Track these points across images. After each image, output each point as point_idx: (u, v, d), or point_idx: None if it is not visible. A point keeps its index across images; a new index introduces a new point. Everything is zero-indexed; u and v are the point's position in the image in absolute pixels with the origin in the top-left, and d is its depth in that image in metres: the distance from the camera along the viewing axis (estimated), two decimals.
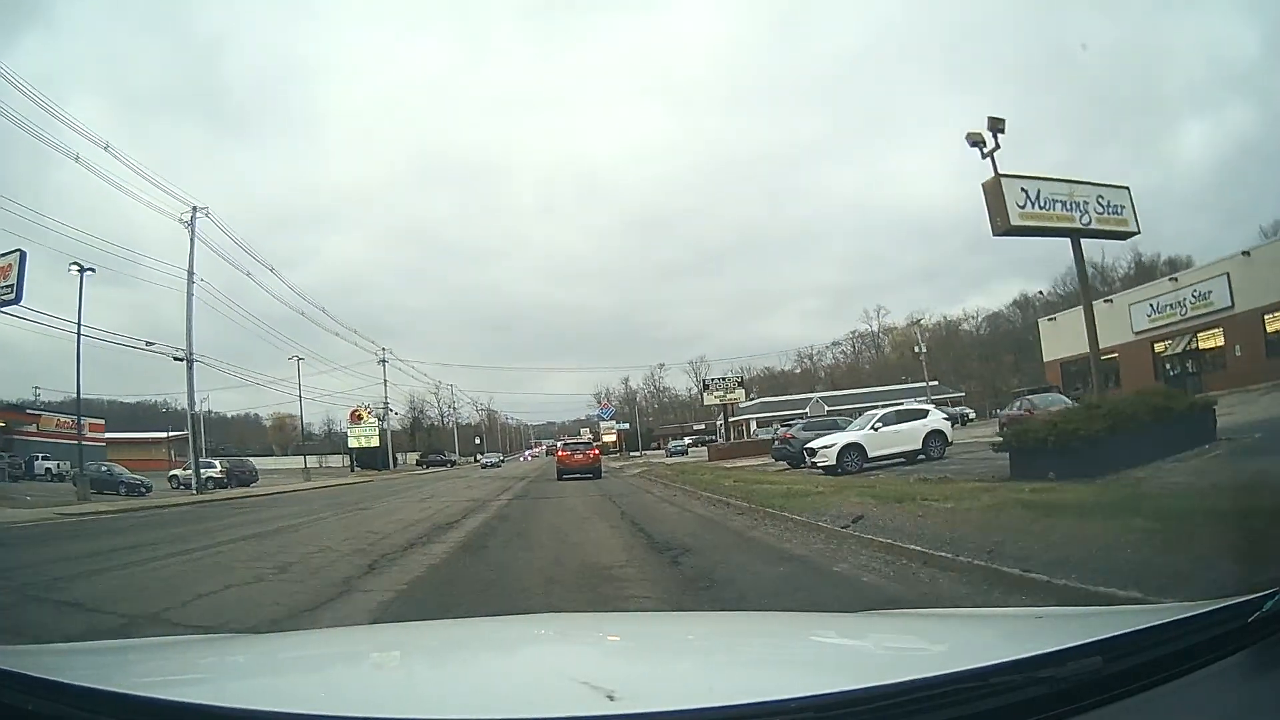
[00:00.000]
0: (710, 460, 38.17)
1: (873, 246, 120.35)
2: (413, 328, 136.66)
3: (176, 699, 1.36)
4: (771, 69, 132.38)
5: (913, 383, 65.19)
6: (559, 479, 28.63)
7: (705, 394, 51.08)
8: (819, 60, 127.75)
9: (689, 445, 61.86)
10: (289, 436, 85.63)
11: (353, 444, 69.38)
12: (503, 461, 79.39)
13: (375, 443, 69.01)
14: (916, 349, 59.76)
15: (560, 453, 31.68)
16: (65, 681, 1.38)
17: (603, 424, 76.27)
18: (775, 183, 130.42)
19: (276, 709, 1.30)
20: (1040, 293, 71.02)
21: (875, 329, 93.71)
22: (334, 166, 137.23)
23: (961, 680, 1.24)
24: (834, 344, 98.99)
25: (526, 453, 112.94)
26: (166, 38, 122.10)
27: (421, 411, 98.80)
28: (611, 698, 1.26)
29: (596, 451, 31.74)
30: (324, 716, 1.28)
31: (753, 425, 66.94)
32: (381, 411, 70.46)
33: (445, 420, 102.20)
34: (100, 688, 1.38)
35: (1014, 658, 1.31)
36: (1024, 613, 2.37)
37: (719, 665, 1.90)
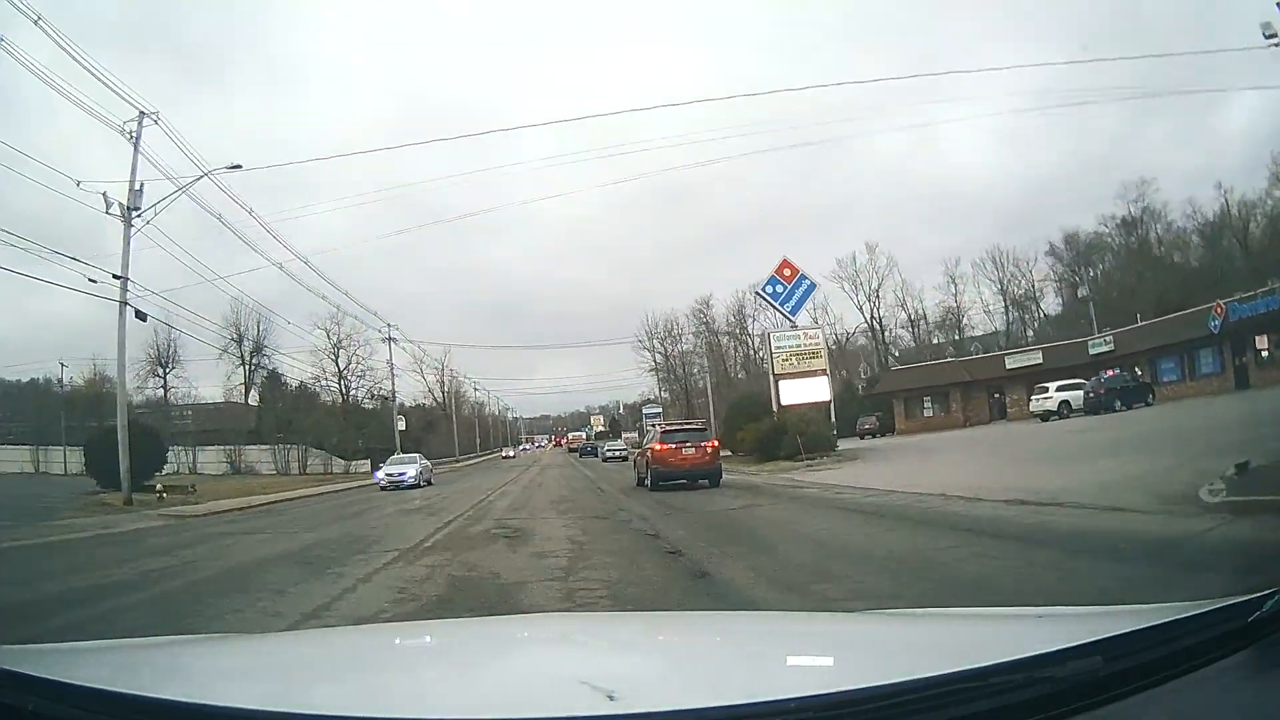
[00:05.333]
0: None
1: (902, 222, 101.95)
2: (402, 308, 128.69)
3: (178, 699, 1.36)
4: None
5: None
6: (652, 488, 18.79)
7: None
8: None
9: None
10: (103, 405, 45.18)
11: None
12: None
13: None
14: None
15: (658, 445, 19.79)
16: (66, 681, 1.38)
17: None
18: (816, 150, 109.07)
19: (277, 709, 1.30)
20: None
21: (1137, 211, 54.51)
22: (306, 124, 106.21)
23: (961, 680, 1.24)
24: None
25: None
26: None
27: (262, 349, 50.10)
28: (611, 698, 1.26)
29: (715, 444, 21.15)
30: (324, 716, 1.28)
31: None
32: None
33: (351, 390, 57.65)
34: (101, 688, 1.38)
35: (1014, 658, 1.31)
36: (1024, 612, 2.37)
37: (719, 665, 1.90)
